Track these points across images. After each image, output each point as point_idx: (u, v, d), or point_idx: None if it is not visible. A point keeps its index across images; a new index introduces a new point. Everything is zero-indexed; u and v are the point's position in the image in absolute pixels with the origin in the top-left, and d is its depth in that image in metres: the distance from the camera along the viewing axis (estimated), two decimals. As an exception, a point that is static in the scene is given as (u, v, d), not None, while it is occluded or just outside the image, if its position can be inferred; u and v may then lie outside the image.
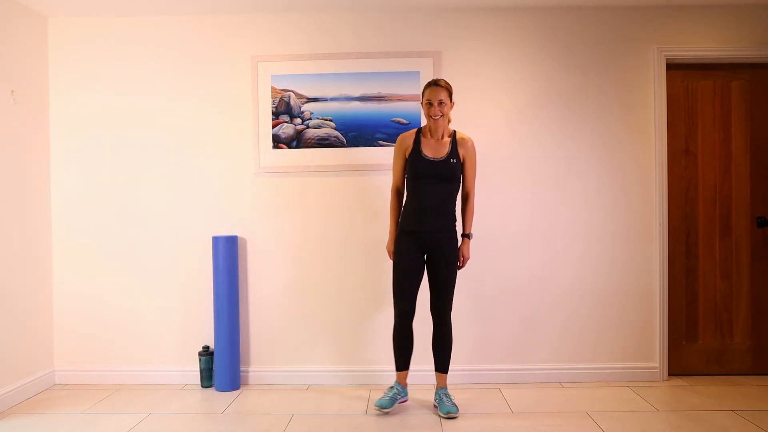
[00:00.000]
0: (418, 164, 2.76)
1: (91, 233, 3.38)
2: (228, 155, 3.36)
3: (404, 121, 3.29)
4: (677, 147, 3.38)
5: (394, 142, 3.27)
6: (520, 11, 3.31)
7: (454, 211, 2.84)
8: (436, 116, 2.75)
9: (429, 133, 2.82)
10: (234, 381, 3.22)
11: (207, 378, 3.28)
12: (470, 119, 3.31)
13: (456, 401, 2.85)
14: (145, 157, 3.37)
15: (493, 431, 2.59)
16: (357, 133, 3.30)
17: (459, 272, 3.30)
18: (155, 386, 3.31)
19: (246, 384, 3.33)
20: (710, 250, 3.39)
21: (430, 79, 2.90)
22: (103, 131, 3.38)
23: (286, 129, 3.33)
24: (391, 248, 2.88)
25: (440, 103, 2.74)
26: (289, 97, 3.33)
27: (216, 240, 3.21)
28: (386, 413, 2.81)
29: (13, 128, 3.09)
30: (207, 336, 3.36)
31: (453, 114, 3.30)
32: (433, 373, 2.92)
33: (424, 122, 3.27)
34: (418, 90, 3.28)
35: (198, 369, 3.33)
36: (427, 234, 2.76)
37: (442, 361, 2.86)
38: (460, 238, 2.89)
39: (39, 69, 3.30)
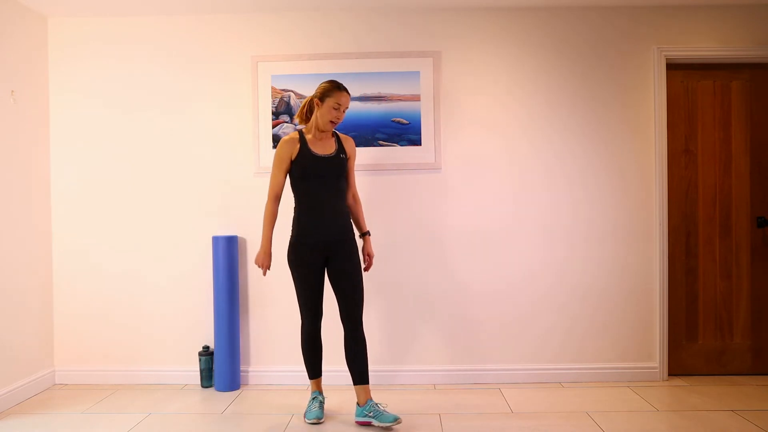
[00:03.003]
0: (310, 161, 2.62)
1: (91, 233, 3.38)
2: (228, 155, 3.36)
3: (404, 121, 3.29)
4: (677, 147, 3.38)
5: (395, 143, 3.29)
6: (519, 11, 3.31)
7: (348, 210, 2.76)
8: (337, 121, 2.67)
9: (314, 134, 2.70)
10: (234, 381, 3.22)
11: (207, 378, 3.28)
12: (470, 119, 3.31)
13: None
14: (145, 156, 3.37)
15: (493, 431, 2.59)
16: (357, 133, 3.29)
17: (467, 273, 3.31)
18: (155, 386, 3.31)
19: (246, 384, 3.33)
20: (710, 250, 3.39)
21: (336, 81, 2.69)
22: (103, 131, 3.38)
23: (286, 129, 3.33)
24: (266, 262, 2.65)
25: (344, 110, 2.69)
26: (289, 97, 3.33)
27: (216, 240, 3.21)
28: (323, 422, 2.73)
29: (13, 128, 3.09)
30: (207, 336, 3.37)
31: (454, 113, 3.31)
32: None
33: (425, 120, 3.28)
34: (418, 90, 3.28)
35: (198, 369, 3.33)
36: (328, 238, 2.62)
37: (360, 372, 2.64)
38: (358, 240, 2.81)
39: (39, 69, 3.30)
